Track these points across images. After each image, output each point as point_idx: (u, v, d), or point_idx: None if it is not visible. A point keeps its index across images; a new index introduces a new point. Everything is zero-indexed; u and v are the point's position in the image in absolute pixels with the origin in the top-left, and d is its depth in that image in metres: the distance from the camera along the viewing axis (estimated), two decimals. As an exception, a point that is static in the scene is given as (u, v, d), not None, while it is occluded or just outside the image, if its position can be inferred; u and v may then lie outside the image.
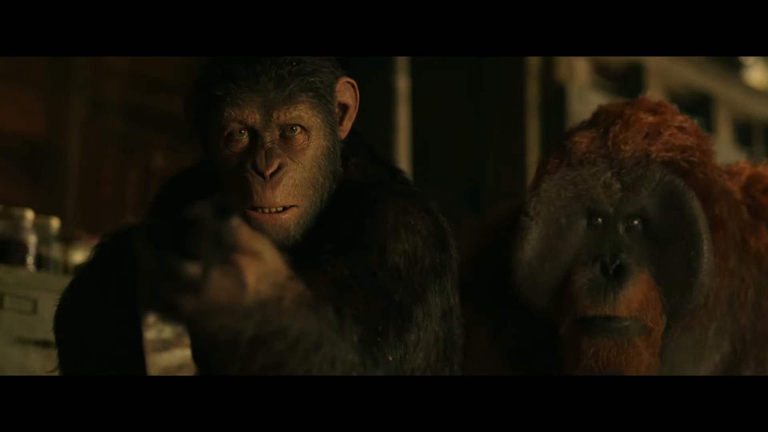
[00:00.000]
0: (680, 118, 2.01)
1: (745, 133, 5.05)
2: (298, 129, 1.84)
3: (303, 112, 1.83)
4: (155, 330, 1.43)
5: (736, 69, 5.29)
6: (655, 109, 2.00)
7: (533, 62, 4.22)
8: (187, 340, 1.44)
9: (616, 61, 4.56)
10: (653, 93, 2.16)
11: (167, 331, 1.44)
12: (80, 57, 3.83)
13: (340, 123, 1.92)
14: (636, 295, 1.89)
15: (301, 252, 1.83)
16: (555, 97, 4.19)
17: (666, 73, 4.67)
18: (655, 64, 4.62)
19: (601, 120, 2.00)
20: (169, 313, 1.38)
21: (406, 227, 1.82)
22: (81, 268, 1.91)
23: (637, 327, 1.90)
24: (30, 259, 2.79)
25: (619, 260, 1.91)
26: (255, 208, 1.82)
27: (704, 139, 2.01)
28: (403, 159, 3.92)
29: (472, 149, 4.31)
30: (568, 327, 1.92)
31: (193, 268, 1.32)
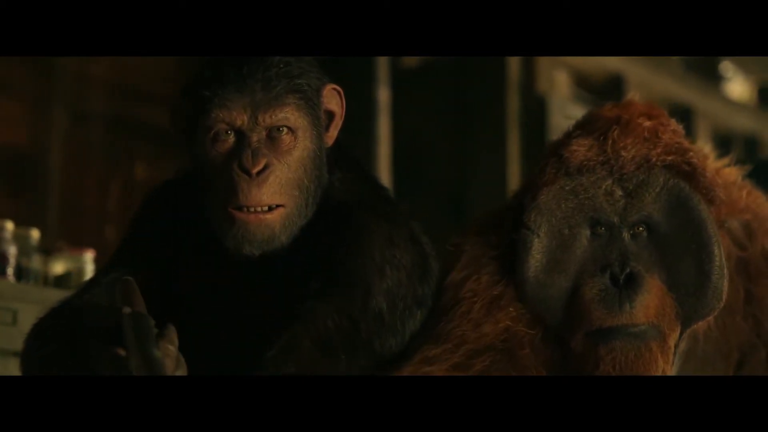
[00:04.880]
0: (672, 121, 1.99)
1: (726, 146, 5.08)
2: (285, 130, 1.85)
3: (289, 114, 1.84)
4: None
5: (716, 81, 5.32)
6: (649, 113, 1.98)
7: (514, 74, 4.23)
8: None
9: (596, 73, 4.57)
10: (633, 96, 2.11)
11: None
12: (63, 68, 3.83)
13: (327, 130, 1.92)
14: (652, 302, 1.87)
15: (286, 270, 1.84)
16: (536, 109, 4.20)
17: (646, 85, 4.69)
18: (635, 77, 4.64)
19: (597, 126, 1.96)
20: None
21: (391, 263, 1.85)
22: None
23: (653, 332, 1.87)
24: (10, 270, 2.79)
25: (628, 268, 1.87)
26: (240, 208, 1.83)
27: (693, 143, 2.00)
28: (384, 170, 3.93)
29: (454, 160, 4.32)
30: (581, 339, 1.89)
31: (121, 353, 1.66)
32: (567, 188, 1.93)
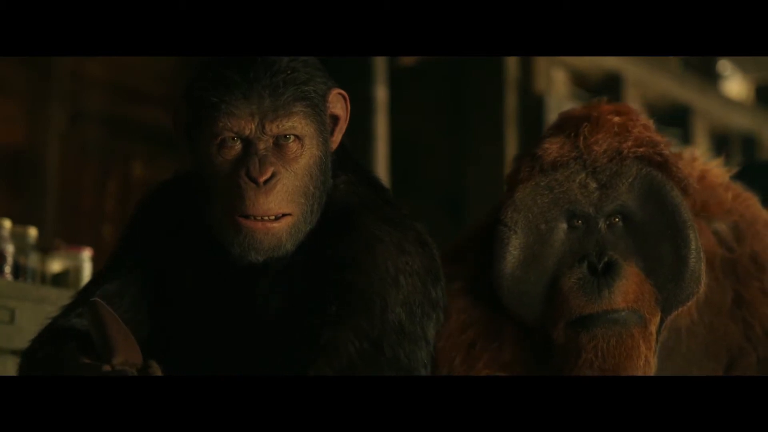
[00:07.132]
0: (642, 117, 2.02)
1: (723, 145, 5.09)
2: (292, 137, 1.83)
3: (297, 122, 1.83)
4: None
5: (714, 80, 5.33)
6: (618, 110, 2.01)
7: (512, 73, 4.24)
8: None
9: (594, 72, 4.58)
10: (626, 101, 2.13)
11: None
12: (60, 67, 3.83)
13: (331, 134, 1.91)
14: (630, 287, 1.89)
15: (289, 274, 1.84)
16: (533, 108, 4.21)
17: (644, 84, 4.70)
18: (633, 75, 4.64)
19: (569, 125, 1.99)
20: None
21: (404, 272, 1.84)
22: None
23: (634, 317, 1.88)
24: (8, 269, 2.79)
25: (606, 257, 1.90)
26: (247, 216, 1.82)
27: (666, 138, 2.03)
28: (381, 169, 3.93)
29: (452, 159, 4.33)
30: (562, 330, 1.90)
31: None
32: (542, 184, 1.96)
